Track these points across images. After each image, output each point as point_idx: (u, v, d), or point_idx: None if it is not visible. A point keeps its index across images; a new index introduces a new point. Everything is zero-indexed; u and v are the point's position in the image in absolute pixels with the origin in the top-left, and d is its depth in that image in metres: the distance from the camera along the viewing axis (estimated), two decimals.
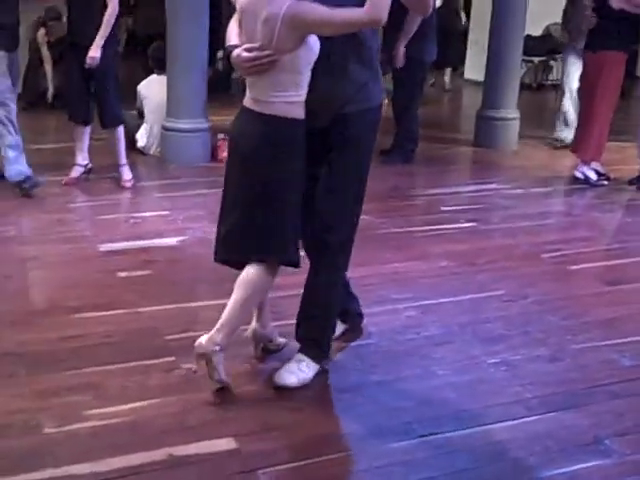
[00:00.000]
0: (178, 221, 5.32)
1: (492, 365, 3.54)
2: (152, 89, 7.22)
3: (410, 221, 5.60)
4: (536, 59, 12.56)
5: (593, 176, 6.72)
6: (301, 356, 3.37)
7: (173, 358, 3.44)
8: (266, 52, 2.94)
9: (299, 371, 3.32)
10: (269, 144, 3.05)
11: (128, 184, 6.00)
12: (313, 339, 3.40)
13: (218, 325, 3.13)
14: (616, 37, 6.36)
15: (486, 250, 5.07)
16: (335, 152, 3.19)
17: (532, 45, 11.60)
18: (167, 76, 6.93)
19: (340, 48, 3.04)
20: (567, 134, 7.93)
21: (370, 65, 3.20)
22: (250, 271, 3.17)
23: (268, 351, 3.56)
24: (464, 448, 2.92)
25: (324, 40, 2.97)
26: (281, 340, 3.59)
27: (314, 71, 3.02)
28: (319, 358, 3.38)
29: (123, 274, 4.41)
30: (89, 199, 5.85)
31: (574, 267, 4.86)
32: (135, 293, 4.14)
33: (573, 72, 7.72)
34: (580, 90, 7.07)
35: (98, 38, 5.58)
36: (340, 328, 3.66)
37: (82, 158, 6.08)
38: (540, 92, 12.66)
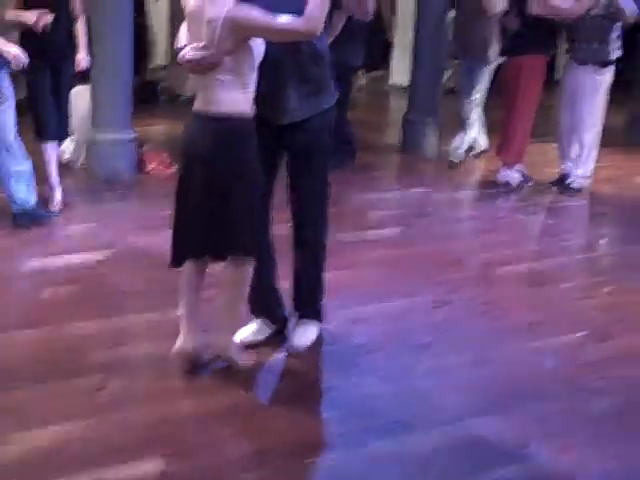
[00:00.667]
0: (104, 235, 5.25)
1: (421, 372, 3.60)
2: (76, 100, 7.12)
3: (337, 228, 5.61)
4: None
5: (516, 178, 6.86)
6: (305, 320, 3.80)
7: (100, 375, 3.40)
8: (209, 52, 3.09)
9: (310, 333, 3.78)
10: (224, 142, 3.19)
11: (57, 207, 5.75)
12: (314, 311, 3.82)
13: (222, 332, 3.45)
14: (535, 41, 6.50)
15: (412, 256, 5.13)
16: (295, 156, 3.45)
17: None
18: (92, 87, 6.83)
19: (290, 51, 3.21)
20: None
21: (321, 67, 3.36)
22: (228, 272, 3.37)
23: (200, 365, 3.55)
24: (394, 459, 2.95)
25: (272, 43, 3.14)
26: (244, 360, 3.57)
27: (263, 74, 3.17)
28: (319, 317, 3.84)
29: (48, 291, 4.34)
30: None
31: (498, 270, 4.95)
32: (61, 310, 4.07)
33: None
34: (501, 94, 7.17)
35: (84, 42, 5.67)
36: (268, 331, 3.79)
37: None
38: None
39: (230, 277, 3.39)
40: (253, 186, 3.26)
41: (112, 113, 6.75)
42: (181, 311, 3.48)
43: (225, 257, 3.36)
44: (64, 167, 6.95)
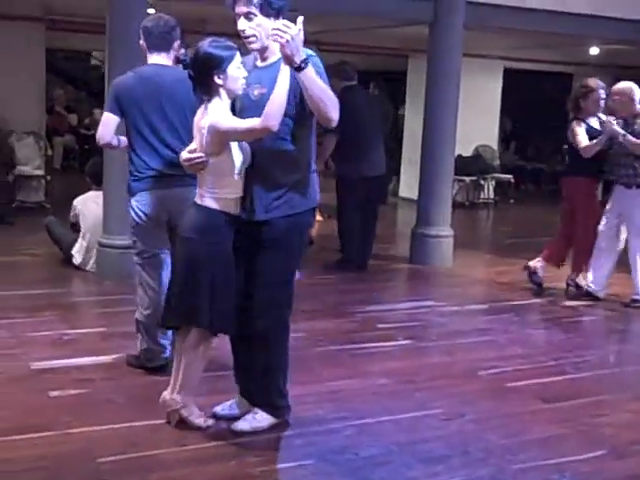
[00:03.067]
0: (114, 338, 5.22)
1: None
2: (89, 205, 7.21)
3: (347, 338, 5.59)
4: (467, 178, 12.94)
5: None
6: (256, 409, 3.91)
7: None
8: (197, 155, 3.68)
9: (253, 420, 3.88)
10: (197, 228, 3.71)
11: None
12: (266, 403, 3.90)
13: (177, 387, 3.82)
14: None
15: (423, 368, 5.07)
16: (261, 251, 3.72)
17: (463, 165, 11.98)
18: (104, 193, 6.92)
19: (265, 155, 3.65)
20: None
21: (295, 171, 3.67)
22: (190, 337, 3.79)
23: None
24: None
25: (253, 146, 3.63)
26: (199, 420, 3.89)
27: (246, 175, 3.67)
28: (275, 414, 3.91)
29: (55, 393, 4.28)
30: (21, 315, 5.71)
31: (511, 384, 4.87)
32: (67, 413, 4.01)
33: None
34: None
35: None
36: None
37: None
38: (473, 210, 12.98)
39: (189, 343, 3.81)
40: (216, 270, 3.69)
41: (124, 219, 6.77)
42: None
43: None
44: (73, 269, 7.00)
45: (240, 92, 3.67)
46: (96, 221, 7.02)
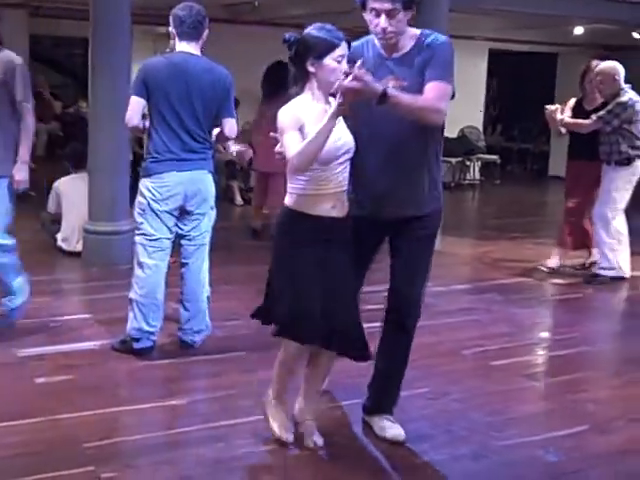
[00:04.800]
0: (100, 324, 5.23)
1: (418, 465, 3.53)
2: (69, 186, 7.25)
3: None
4: (453, 160, 12.96)
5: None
6: (389, 416, 3.80)
7: (92, 467, 3.34)
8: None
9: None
10: (278, 234, 3.51)
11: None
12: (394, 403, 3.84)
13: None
14: None
15: None
16: (411, 247, 3.64)
17: (450, 147, 11.99)
18: (89, 180, 6.92)
19: (416, 156, 3.48)
20: None
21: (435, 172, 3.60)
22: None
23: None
24: None
25: (398, 143, 3.41)
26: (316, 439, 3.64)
27: (383, 170, 3.45)
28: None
29: (41, 380, 4.29)
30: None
31: (496, 363, 4.91)
32: (53, 400, 4.02)
33: None
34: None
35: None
36: None
37: None
38: (458, 191, 13.01)
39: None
40: (302, 280, 3.41)
41: (110, 205, 6.83)
42: None
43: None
44: (60, 257, 7.00)
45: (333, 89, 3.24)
46: (77, 201, 7.03)
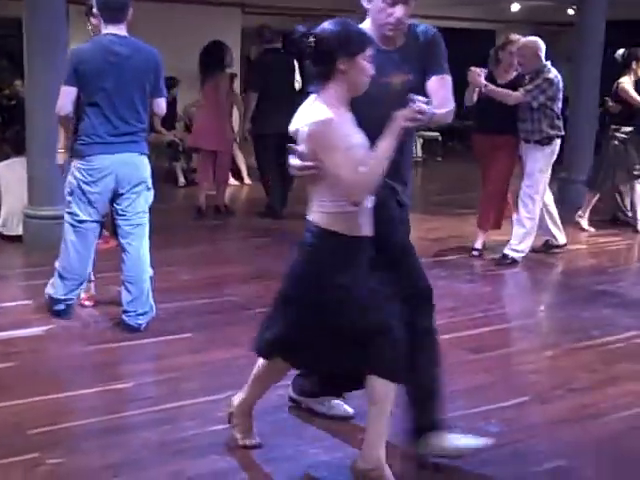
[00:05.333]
0: (41, 310, 5.16)
1: (360, 440, 3.56)
2: (8, 170, 7.15)
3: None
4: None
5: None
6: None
7: (37, 454, 3.31)
8: (309, 163, 2.99)
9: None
10: (312, 258, 3.11)
11: None
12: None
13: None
14: None
15: None
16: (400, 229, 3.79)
17: None
18: (27, 163, 6.82)
19: (409, 154, 3.50)
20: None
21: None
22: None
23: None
24: None
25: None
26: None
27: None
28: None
29: None
30: None
31: (441, 337, 4.94)
32: None
33: None
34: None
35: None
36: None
37: None
38: None
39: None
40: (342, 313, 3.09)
41: (49, 189, 6.70)
42: None
43: None
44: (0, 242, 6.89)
45: (360, 92, 3.02)
46: (17, 184, 6.93)
